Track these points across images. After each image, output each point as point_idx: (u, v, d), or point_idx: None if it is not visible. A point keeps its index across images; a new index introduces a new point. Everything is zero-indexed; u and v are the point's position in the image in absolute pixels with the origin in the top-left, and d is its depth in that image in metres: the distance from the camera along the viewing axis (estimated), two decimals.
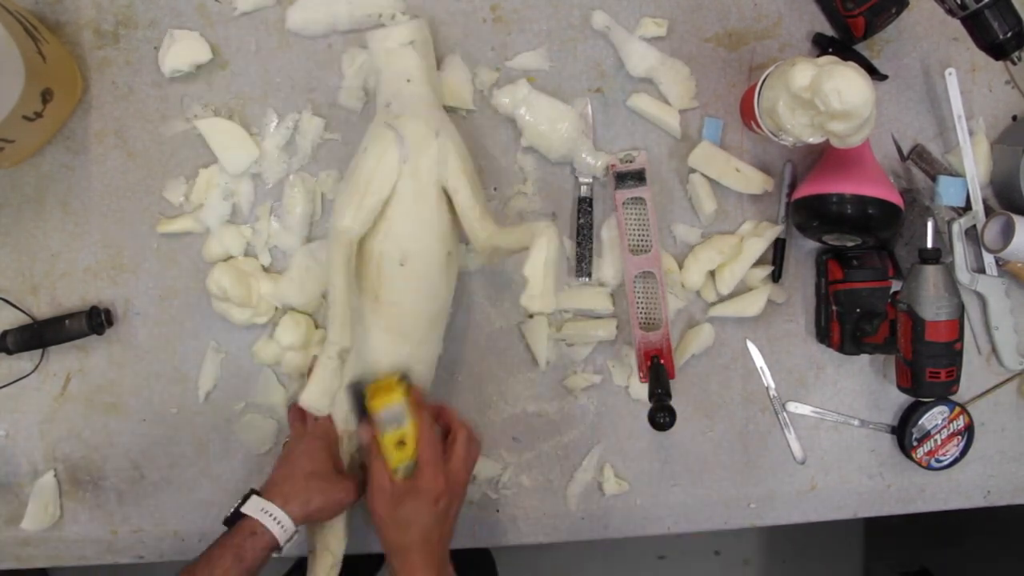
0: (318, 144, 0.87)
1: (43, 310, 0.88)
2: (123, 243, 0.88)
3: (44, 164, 0.87)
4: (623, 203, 0.86)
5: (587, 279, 0.89)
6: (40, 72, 0.77)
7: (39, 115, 0.79)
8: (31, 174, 0.87)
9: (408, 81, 0.78)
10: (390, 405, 0.72)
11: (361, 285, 0.78)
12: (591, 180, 0.88)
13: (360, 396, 0.74)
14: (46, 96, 0.79)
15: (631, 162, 0.87)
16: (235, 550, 0.70)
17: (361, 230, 0.75)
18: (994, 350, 0.92)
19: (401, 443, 0.73)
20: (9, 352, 0.87)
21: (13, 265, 0.88)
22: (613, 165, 0.87)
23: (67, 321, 0.86)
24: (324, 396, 0.72)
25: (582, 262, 0.88)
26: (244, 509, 0.73)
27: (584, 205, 0.88)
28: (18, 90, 0.74)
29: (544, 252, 0.72)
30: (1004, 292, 0.90)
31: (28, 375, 0.89)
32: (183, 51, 0.84)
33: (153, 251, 0.88)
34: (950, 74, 0.87)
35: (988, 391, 0.93)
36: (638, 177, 0.86)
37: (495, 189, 0.89)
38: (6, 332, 0.87)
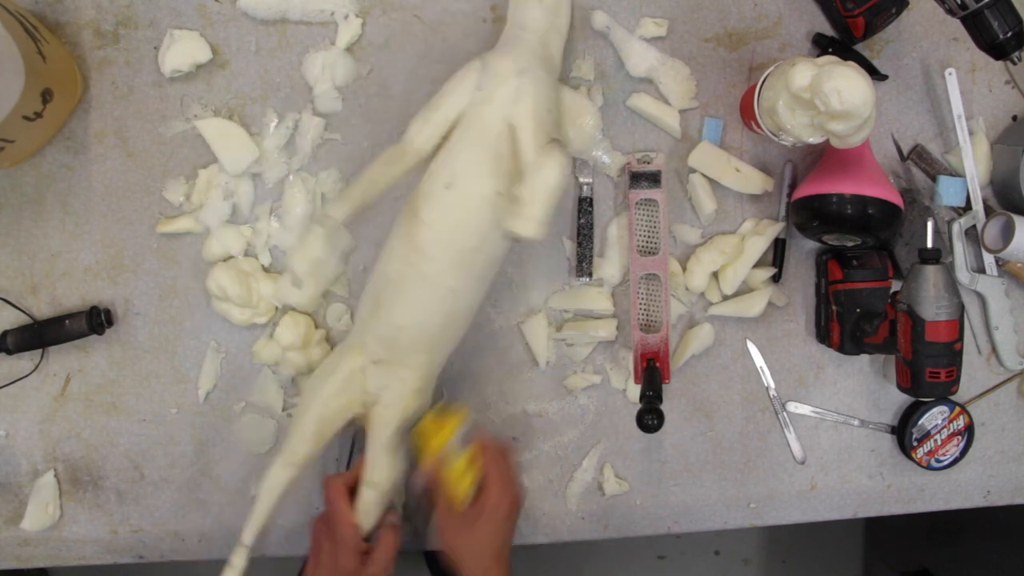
0: (318, 144, 0.87)
1: (43, 310, 0.88)
2: (123, 243, 0.88)
3: (44, 164, 0.87)
4: (636, 203, 0.86)
5: (587, 279, 0.89)
6: (40, 72, 0.77)
7: (39, 115, 0.79)
8: (31, 174, 0.87)
9: (522, 29, 0.77)
10: (452, 437, 0.74)
11: (406, 208, 0.75)
12: (591, 180, 0.88)
13: (414, 448, 0.76)
14: (46, 96, 0.79)
15: (648, 163, 0.86)
16: None
17: (424, 145, 0.74)
18: (994, 350, 0.92)
19: (466, 470, 0.75)
20: (9, 352, 0.87)
21: (13, 265, 0.88)
22: (629, 164, 0.87)
23: (67, 321, 0.86)
24: (308, 261, 0.68)
25: (582, 262, 0.88)
26: None
27: (584, 205, 0.88)
28: (18, 90, 0.74)
29: (552, 176, 0.66)
30: (1004, 292, 0.90)
31: (28, 375, 0.89)
32: (183, 51, 0.84)
33: (153, 251, 0.88)
34: (950, 74, 0.87)
35: (988, 391, 0.93)
36: (653, 179, 0.86)
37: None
38: (6, 332, 0.87)
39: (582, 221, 0.88)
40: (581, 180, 0.88)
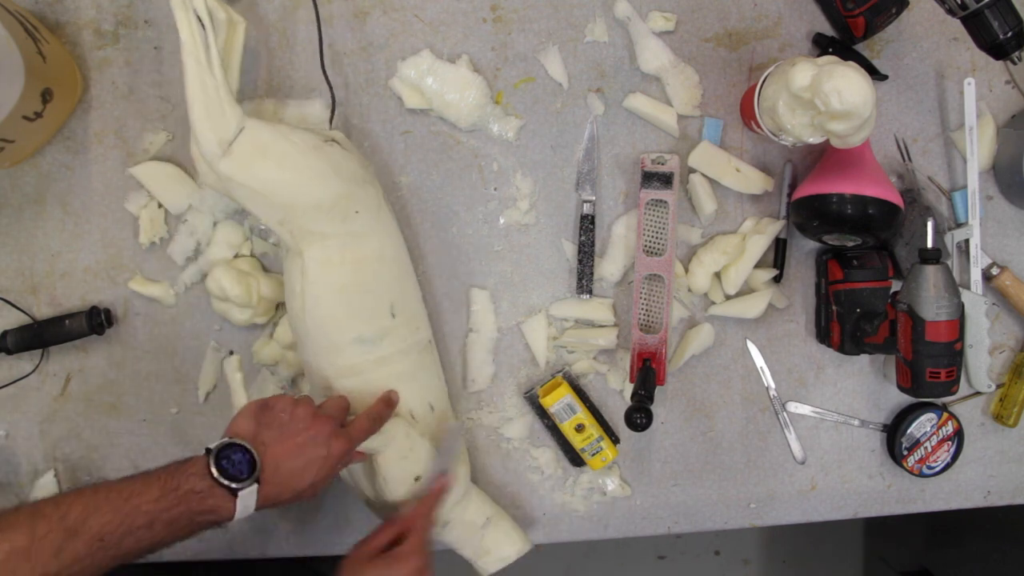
0: None
1: (43, 310, 0.88)
2: (123, 243, 0.88)
3: (44, 164, 0.87)
4: (646, 203, 0.86)
5: (588, 296, 0.89)
6: (40, 72, 0.77)
7: (39, 115, 0.79)
8: (31, 174, 0.87)
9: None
10: (560, 399, 0.87)
11: None
12: (594, 198, 0.88)
13: (535, 400, 0.89)
14: (46, 96, 0.79)
15: (662, 164, 0.86)
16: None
17: None
18: (965, 368, 0.89)
19: (579, 427, 0.87)
20: (9, 352, 0.87)
21: (13, 265, 0.88)
22: (643, 163, 0.87)
23: (67, 321, 0.86)
24: None
25: (583, 279, 0.88)
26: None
27: (586, 223, 0.88)
28: (18, 90, 0.74)
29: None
30: (985, 312, 0.88)
31: (28, 375, 0.89)
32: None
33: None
34: (969, 84, 0.86)
35: (969, 396, 0.92)
36: (665, 180, 0.86)
37: (495, 189, 0.89)
38: (6, 332, 0.87)
39: (583, 239, 0.88)
40: (583, 198, 0.88)
